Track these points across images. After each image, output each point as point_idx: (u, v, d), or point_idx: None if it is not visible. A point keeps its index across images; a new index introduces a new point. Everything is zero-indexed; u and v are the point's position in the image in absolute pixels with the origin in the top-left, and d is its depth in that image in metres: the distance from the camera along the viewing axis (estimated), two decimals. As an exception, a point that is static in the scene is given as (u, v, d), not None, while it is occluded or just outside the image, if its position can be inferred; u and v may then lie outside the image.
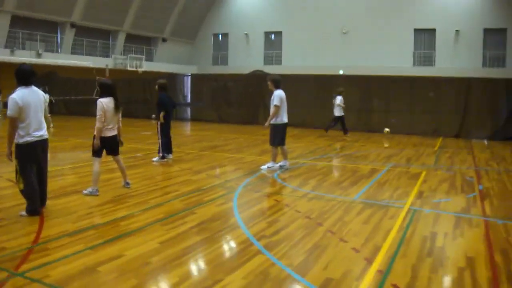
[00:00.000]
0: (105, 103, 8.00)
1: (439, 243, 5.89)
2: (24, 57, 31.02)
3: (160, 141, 11.88)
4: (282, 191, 8.88)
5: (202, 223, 6.51)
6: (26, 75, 6.64)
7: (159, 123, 11.84)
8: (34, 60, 31.18)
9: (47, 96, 21.61)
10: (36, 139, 6.59)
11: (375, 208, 7.48)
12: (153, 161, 11.85)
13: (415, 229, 6.40)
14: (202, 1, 46.95)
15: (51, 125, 20.99)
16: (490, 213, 7.44)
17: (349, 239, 5.91)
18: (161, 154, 11.91)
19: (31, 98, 6.53)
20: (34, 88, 6.70)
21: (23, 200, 6.76)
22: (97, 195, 7.97)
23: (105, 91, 8.20)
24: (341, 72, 36.75)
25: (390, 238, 5.98)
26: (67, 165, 11.31)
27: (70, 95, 28.63)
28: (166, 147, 11.95)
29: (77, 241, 5.66)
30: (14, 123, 6.48)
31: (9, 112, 6.43)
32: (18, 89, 6.55)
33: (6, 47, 31.65)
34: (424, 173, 10.89)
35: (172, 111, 12.25)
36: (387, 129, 20.58)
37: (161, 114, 11.72)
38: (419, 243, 5.82)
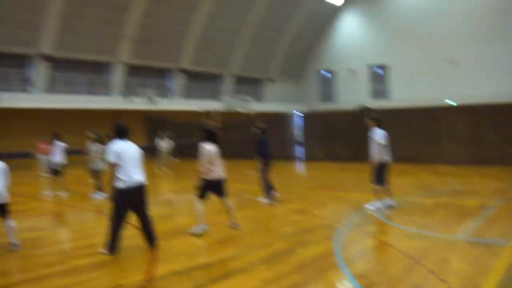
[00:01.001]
0: (207, 147, 8.64)
1: (546, 283, 5.73)
2: (140, 104, 33.12)
3: (263, 182, 12.29)
4: (386, 230, 8.91)
5: (304, 262, 6.73)
6: (121, 130, 7.58)
7: (260, 164, 12.26)
8: (148, 106, 33.16)
9: (168, 142, 23.11)
10: (132, 185, 7.29)
11: (481, 246, 7.32)
12: (260, 201, 12.28)
13: (521, 269, 6.24)
14: (306, 40, 47.86)
15: (166, 169, 22.18)
16: None
17: (448, 279, 5.88)
18: (266, 194, 12.28)
19: (125, 148, 7.37)
20: (129, 142, 7.59)
21: (140, 240, 7.41)
22: (202, 233, 8.51)
23: (207, 136, 8.85)
24: (451, 102, 35.79)
25: (494, 279, 5.88)
26: (180, 207, 11.97)
27: (181, 139, 30.00)
28: (269, 187, 12.32)
29: (184, 279, 6.13)
30: (114, 168, 7.27)
31: (109, 159, 7.29)
32: (114, 140, 7.48)
33: (122, 95, 33.90)
34: (538, 208, 10.46)
35: (270, 153, 12.61)
36: None
37: (260, 157, 12.24)
38: (523, 283, 5.70)
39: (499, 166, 19.69)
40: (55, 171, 14.58)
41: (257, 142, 12.49)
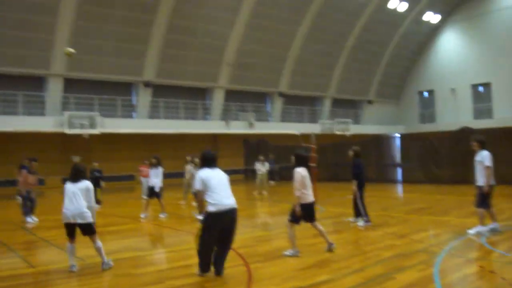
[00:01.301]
0: (301, 172, 8.83)
1: None
2: (238, 127, 33.91)
3: (359, 205, 12.34)
4: (488, 256, 8.58)
5: (401, 288, 6.65)
6: (208, 159, 7.80)
7: (355, 187, 12.39)
8: (247, 130, 33.85)
9: (267, 165, 23.54)
10: (222, 208, 7.41)
11: None
12: (358, 225, 12.23)
13: None
14: (405, 60, 47.19)
15: (265, 192, 22.54)
16: None
17: (556, 308, 5.63)
18: (365, 218, 12.26)
19: (212, 174, 7.59)
20: (217, 169, 7.77)
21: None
22: (298, 256, 8.62)
23: (300, 161, 9.07)
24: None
25: None
26: (276, 230, 12.12)
27: (279, 162, 30.34)
28: (365, 210, 12.34)
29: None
30: (199, 195, 7.59)
31: (196, 186, 7.61)
32: (202, 169, 7.75)
33: (221, 119, 34.78)
34: None
35: (364, 176, 12.67)
36: None
37: (355, 180, 12.41)
38: None
39: None
40: (153, 193, 15.19)
41: (352, 165, 12.66)
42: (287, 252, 8.91)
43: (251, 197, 21.56)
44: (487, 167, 10.22)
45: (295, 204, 8.85)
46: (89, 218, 8.23)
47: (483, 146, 10.50)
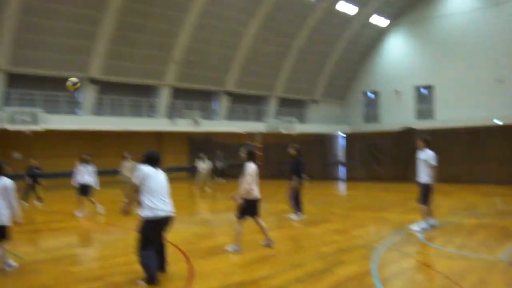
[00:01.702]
0: (254, 167, 8.88)
1: None
2: (183, 125, 33.71)
3: (294, 201, 12.95)
4: (424, 251, 8.80)
5: (340, 282, 6.72)
6: (153, 159, 7.38)
7: (294, 184, 12.90)
8: (192, 128, 33.68)
9: (208, 162, 23.44)
10: (160, 214, 7.01)
11: (521, 267, 7.20)
12: (291, 218, 12.78)
13: None
14: (351, 61, 47.88)
15: (207, 189, 22.47)
16: None
17: (486, 299, 5.81)
18: (298, 213, 12.81)
19: (155, 174, 7.19)
20: (160, 170, 7.33)
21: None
22: (239, 252, 8.65)
23: (252, 157, 9.04)
24: (498, 122, 35.11)
25: (533, 299, 5.78)
26: (218, 227, 12.10)
27: (224, 160, 30.30)
28: (299, 206, 12.90)
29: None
30: (135, 190, 7.15)
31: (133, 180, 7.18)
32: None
33: (167, 117, 34.49)
34: None
35: (303, 174, 13.20)
36: None
37: (295, 177, 12.93)
38: None
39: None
40: (83, 192, 14.81)
41: (292, 162, 13.09)
42: (229, 248, 8.90)
43: (193, 194, 21.44)
44: (433, 167, 10.51)
45: (237, 196, 8.87)
46: (3, 220, 7.58)
47: (428, 145, 10.77)
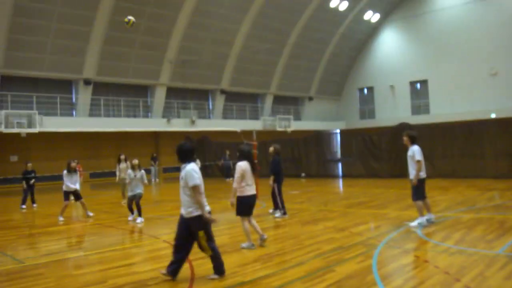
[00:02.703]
0: (242, 165, 9.05)
1: None
2: (179, 125, 33.70)
3: (278, 199, 13.22)
4: (424, 247, 8.86)
5: (340, 281, 6.77)
6: (187, 153, 7.22)
7: (275, 183, 13.20)
8: (189, 127, 33.67)
9: (199, 162, 23.48)
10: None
11: (520, 261, 7.26)
12: (276, 216, 13.13)
13: (562, 283, 6.15)
14: (344, 58, 47.95)
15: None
16: None
17: (486, 294, 5.86)
18: (282, 211, 13.20)
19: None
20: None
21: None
22: (253, 249, 8.90)
23: (242, 156, 9.25)
24: (493, 115, 35.29)
25: (532, 293, 5.84)
26: (218, 227, 12.12)
27: (221, 159, 30.32)
28: (282, 203, 13.27)
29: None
30: (199, 190, 6.99)
31: (195, 181, 6.95)
32: (190, 163, 7.16)
33: (163, 117, 34.49)
34: None
35: (283, 172, 13.69)
36: None
37: (272, 176, 13.26)
38: None
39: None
40: (73, 196, 14.92)
41: (271, 161, 13.46)
42: (244, 245, 9.12)
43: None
44: (418, 161, 10.59)
45: (231, 196, 9.16)
46: None
47: (413, 141, 10.89)
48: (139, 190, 13.71)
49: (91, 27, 29.71)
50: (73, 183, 14.69)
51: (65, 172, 14.72)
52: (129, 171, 13.88)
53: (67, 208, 14.88)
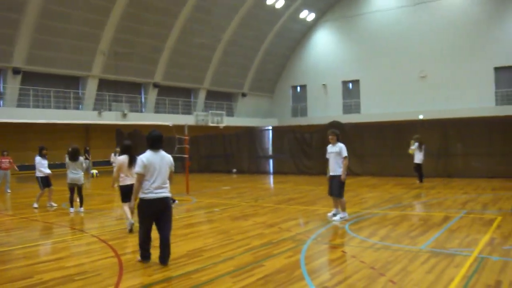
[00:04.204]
0: (120, 159, 10.51)
1: (501, 291, 5.87)
2: (111, 118, 33.01)
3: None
4: (350, 242, 9.02)
5: (269, 275, 6.78)
6: (152, 140, 7.56)
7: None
8: (120, 121, 33.05)
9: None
10: (156, 196, 7.33)
11: (441, 257, 7.49)
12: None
13: (479, 278, 6.37)
14: (278, 55, 48.28)
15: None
16: None
17: (409, 289, 6.02)
18: (177, 201, 13.86)
19: (155, 160, 7.42)
20: (161, 152, 7.58)
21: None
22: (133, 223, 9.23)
23: (124, 151, 10.80)
24: (421, 117, 36.51)
25: (452, 287, 6.03)
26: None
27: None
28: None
29: (150, 295, 6.10)
30: (140, 179, 7.32)
31: (136, 169, 7.37)
32: (146, 151, 7.53)
33: (94, 109, 33.72)
34: (499, 219, 10.69)
35: None
36: None
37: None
38: (480, 292, 5.83)
39: (465, 178, 20.21)
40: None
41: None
42: (127, 223, 10.30)
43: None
44: (346, 158, 10.89)
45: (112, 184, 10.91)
46: None
47: (338, 139, 11.15)
48: (81, 179, 13.69)
49: (21, 14, 28.59)
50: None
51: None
52: (81, 158, 13.71)
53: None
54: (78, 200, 13.68)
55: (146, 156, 7.40)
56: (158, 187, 7.32)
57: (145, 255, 7.58)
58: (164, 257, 7.43)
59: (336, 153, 11.00)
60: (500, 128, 21.46)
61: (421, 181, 19.26)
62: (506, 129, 21.25)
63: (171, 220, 7.60)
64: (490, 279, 6.32)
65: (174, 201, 13.09)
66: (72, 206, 13.59)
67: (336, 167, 11.04)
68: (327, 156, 11.29)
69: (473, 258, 7.36)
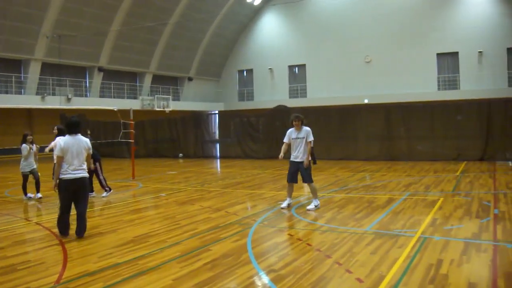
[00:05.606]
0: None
1: (443, 270, 6.00)
2: (54, 102, 32.11)
3: (101, 179, 13.35)
4: (297, 225, 9.07)
5: (216, 259, 6.76)
6: (69, 126, 8.53)
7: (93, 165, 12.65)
8: (64, 105, 32.17)
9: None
10: (74, 176, 8.18)
11: (385, 238, 7.63)
12: (103, 196, 13.13)
13: (422, 257, 6.52)
14: (225, 39, 47.98)
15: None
16: (501, 238, 7.52)
17: (354, 270, 6.08)
18: (107, 189, 13.36)
19: (71, 143, 8.23)
20: (78, 136, 8.47)
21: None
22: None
23: (60, 133, 10.69)
24: (366, 101, 37.12)
25: (396, 267, 6.13)
26: (94, 208, 11.72)
27: (99, 138, 29.29)
28: (105, 182, 13.52)
29: (96, 280, 6.01)
30: (59, 161, 8.19)
31: (55, 152, 8.25)
32: (66, 136, 8.47)
33: (37, 93, 32.75)
34: (441, 200, 10.97)
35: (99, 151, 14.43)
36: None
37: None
38: (423, 271, 5.95)
39: (409, 161, 20.68)
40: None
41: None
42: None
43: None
44: (310, 142, 10.52)
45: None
46: None
47: (303, 123, 10.74)
48: (34, 165, 13.41)
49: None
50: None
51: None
52: (24, 145, 13.17)
53: None
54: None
55: (64, 140, 8.27)
56: (75, 169, 8.22)
57: (62, 231, 8.36)
58: (80, 229, 8.23)
59: (302, 138, 10.54)
60: (442, 113, 22.01)
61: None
62: (447, 113, 21.83)
63: (87, 198, 8.55)
64: (432, 258, 6.47)
65: (91, 191, 12.92)
66: (26, 194, 13.23)
67: (302, 153, 10.56)
68: (288, 141, 10.76)
69: (416, 239, 7.53)
